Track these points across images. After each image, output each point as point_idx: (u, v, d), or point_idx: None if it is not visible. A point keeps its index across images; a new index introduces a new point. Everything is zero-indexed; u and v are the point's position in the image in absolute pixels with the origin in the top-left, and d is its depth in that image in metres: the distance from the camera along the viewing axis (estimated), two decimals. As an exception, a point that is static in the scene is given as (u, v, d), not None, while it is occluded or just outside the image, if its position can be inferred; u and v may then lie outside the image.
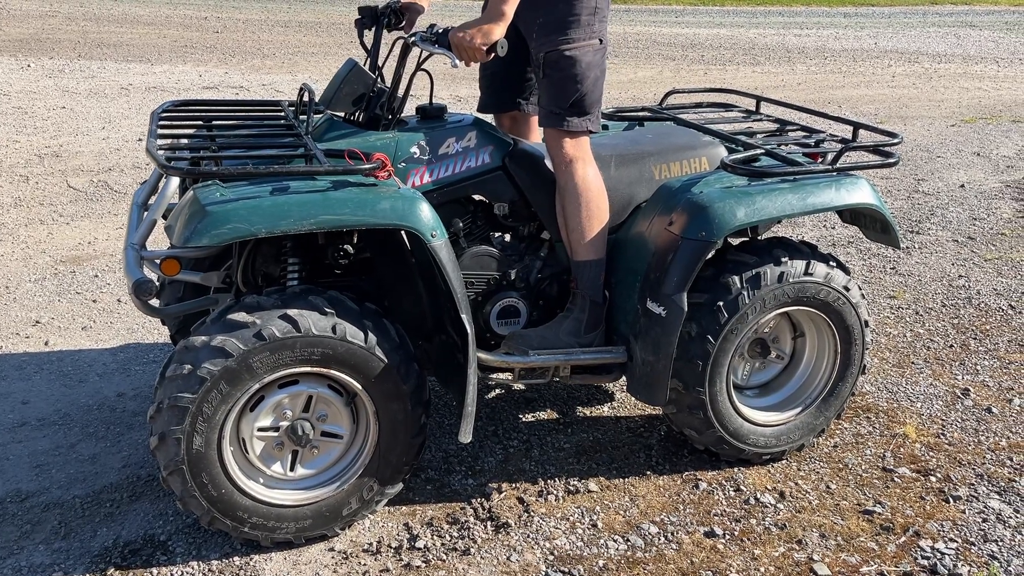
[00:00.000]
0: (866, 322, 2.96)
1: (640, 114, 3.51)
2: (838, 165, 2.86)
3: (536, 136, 3.06)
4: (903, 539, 2.67)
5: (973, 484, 2.95)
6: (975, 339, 4.03)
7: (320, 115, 2.81)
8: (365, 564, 2.53)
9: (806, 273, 2.80)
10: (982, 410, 3.42)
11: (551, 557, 2.57)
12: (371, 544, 2.60)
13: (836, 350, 2.97)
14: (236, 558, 2.52)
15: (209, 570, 2.48)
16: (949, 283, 4.68)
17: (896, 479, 2.97)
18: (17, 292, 4.26)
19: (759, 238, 3.01)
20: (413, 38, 2.66)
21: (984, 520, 2.76)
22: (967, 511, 2.81)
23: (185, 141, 2.78)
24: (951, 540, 2.67)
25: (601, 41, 2.76)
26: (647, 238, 2.80)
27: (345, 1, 17.38)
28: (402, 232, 2.54)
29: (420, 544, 2.59)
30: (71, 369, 3.57)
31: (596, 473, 2.97)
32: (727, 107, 3.68)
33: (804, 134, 3.26)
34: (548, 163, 2.83)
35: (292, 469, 2.54)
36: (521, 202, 2.88)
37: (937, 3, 22.85)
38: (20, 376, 3.50)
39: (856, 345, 2.97)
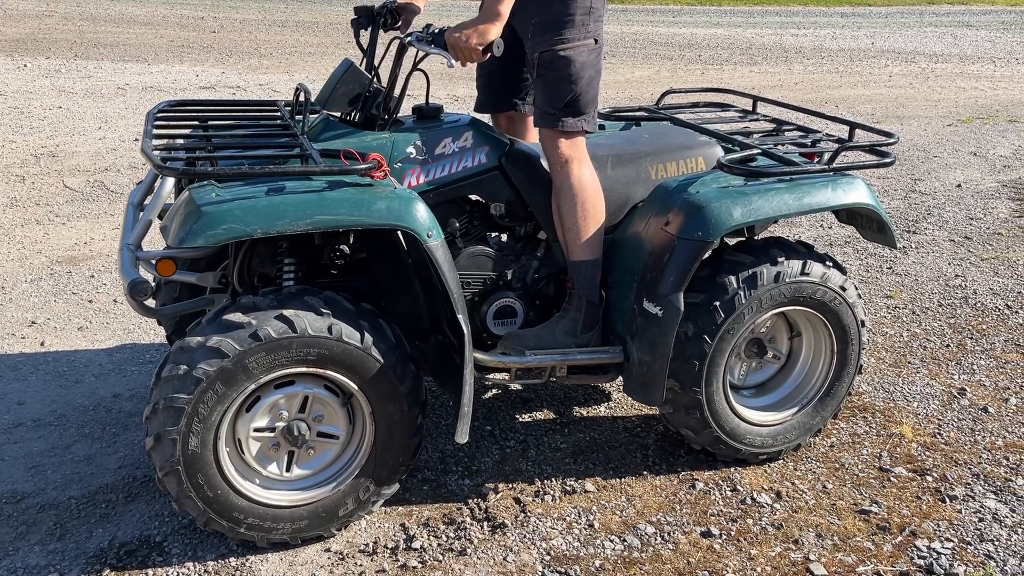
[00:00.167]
0: (862, 322, 2.96)
1: (637, 114, 3.51)
2: (834, 165, 2.86)
3: (533, 136, 3.06)
4: (899, 539, 2.67)
5: (969, 484, 2.95)
6: (971, 339, 4.03)
7: (316, 115, 2.81)
8: (361, 565, 2.52)
9: (802, 273, 2.80)
10: (978, 410, 3.42)
11: (547, 557, 2.57)
12: (367, 545, 2.60)
13: (832, 350, 2.97)
14: (232, 559, 2.52)
15: (205, 571, 2.48)
16: (946, 283, 4.68)
17: (892, 479, 2.97)
18: (13, 292, 4.26)
19: (756, 238, 3.01)
20: (409, 38, 2.66)
21: (980, 520, 2.77)
22: (963, 511, 2.81)
23: (181, 141, 2.77)
24: (947, 540, 2.67)
25: (596, 41, 2.76)
26: (643, 238, 2.79)
27: (342, 1, 17.36)
28: (398, 232, 2.54)
29: (416, 544, 2.59)
30: (67, 370, 3.56)
31: (593, 473, 2.96)
32: (724, 107, 3.68)
33: (800, 134, 3.26)
34: (544, 163, 2.83)
35: (288, 470, 2.54)
36: (517, 202, 2.88)
37: (934, 3, 22.87)
38: (16, 377, 3.49)
39: (852, 345, 2.97)
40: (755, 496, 2.85)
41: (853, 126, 3.10)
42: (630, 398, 2.93)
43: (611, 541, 2.64)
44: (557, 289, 2.95)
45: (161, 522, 2.66)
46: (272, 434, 2.48)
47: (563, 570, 2.51)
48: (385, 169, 2.47)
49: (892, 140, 3.04)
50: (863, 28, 17.62)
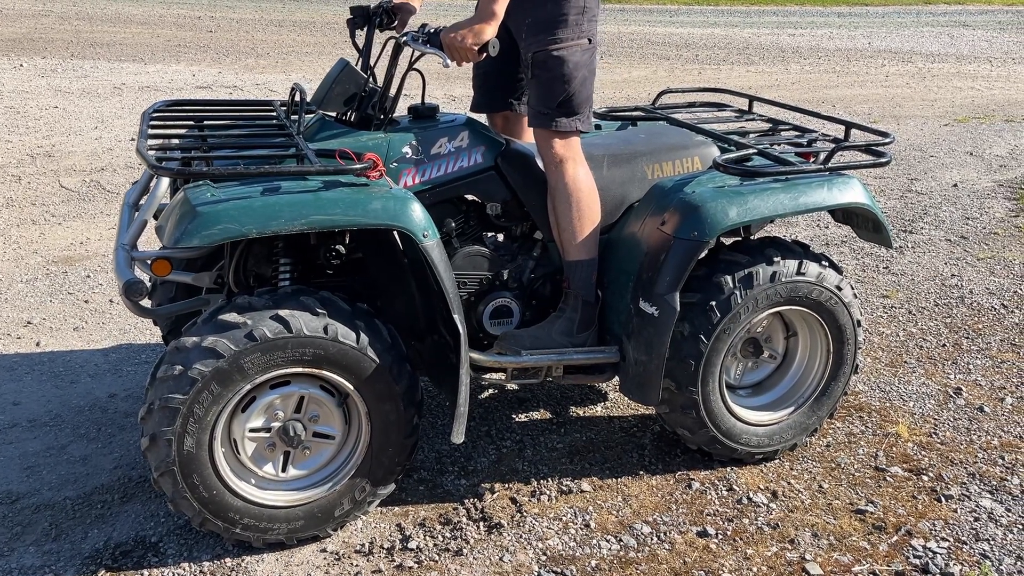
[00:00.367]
0: (859, 321, 2.97)
1: (633, 114, 3.51)
2: (830, 165, 2.86)
3: (529, 136, 3.05)
4: (895, 538, 2.68)
5: (965, 483, 2.95)
6: (967, 338, 4.04)
7: (312, 115, 2.80)
8: (357, 565, 2.52)
9: (798, 273, 2.80)
10: (974, 409, 3.43)
11: (544, 557, 2.57)
12: (363, 545, 2.60)
13: (829, 349, 2.98)
14: (227, 559, 2.52)
15: (200, 571, 2.48)
16: (942, 282, 4.69)
17: (888, 478, 2.97)
18: (8, 293, 4.25)
19: (752, 238, 3.01)
20: (405, 38, 2.66)
21: (976, 519, 2.77)
22: (959, 510, 2.81)
23: (176, 141, 2.77)
24: (943, 539, 2.67)
25: (590, 41, 2.76)
26: (640, 238, 2.80)
27: (338, 1, 17.35)
28: (394, 232, 2.54)
29: (412, 545, 2.59)
30: (63, 370, 3.55)
31: (589, 473, 2.96)
32: (720, 107, 3.68)
33: (797, 134, 3.26)
34: (540, 163, 2.83)
35: (284, 470, 2.53)
36: (514, 202, 2.88)
37: (931, 3, 22.90)
38: (11, 377, 3.49)
39: (849, 344, 2.97)
40: (751, 496, 2.85)
41: (849, 126, 3.10)
42: (626, 398, 2.93)
43: (607, 541, 2.64)
44: (553, 289, 2.95)
45: (157, 523, 2.65)
46: (268, 434, 2.48)
47: (559, 570, 2.51)
48: (381, 169, 2.46)
49: (888, 140, 3.04)
50: (860, 28, 17.64)
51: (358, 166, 2.42)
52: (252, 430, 2.46)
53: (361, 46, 2.86)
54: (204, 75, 9.96)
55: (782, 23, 18.10)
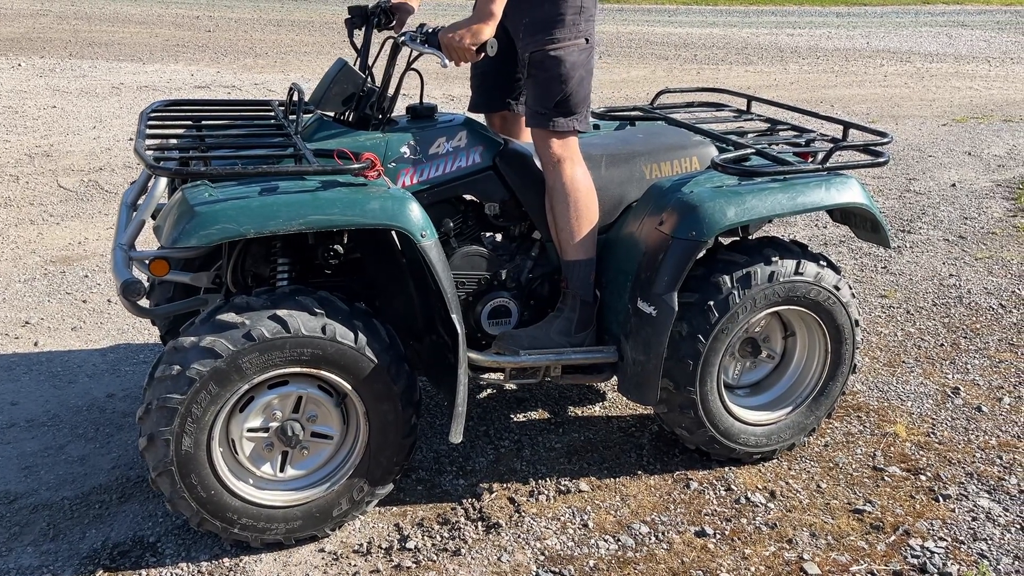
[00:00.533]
0: (857, 321, 2.97)
1: (631, 114, 3.51)
2: (828, 164, 2.86)
3: (527, 136, 3.05)
4: (893, 538, 2.68)
5: (963, 483, 2.95)
6: (965, 338, 4.04)
7: (310, 115, 2.80)
8: (355, 565, 2.52)
9: (796, 272, 2.80)
10: (972, 409, 3.43)
11: (542, 557, 2.57)
12: (361, 545, 2.60)
13: (827, 349, 2.98)
14: (226, 559, 2.52)
15: (199, 571, 2.47)
16: (940, 282, 4.69)
17: (886, 478, 2.97)
18: (7, 292, 4.25)
19: (750, 238, 3.01)
20: (403, 38, 2.66)
21: (974, 519, 2.77)
22: (957, 510, 2.81)
23: (174, 141, 2.76)
24: (941, 539, 2.68)
25: (587, 41, 2.76)
26: (638, 238, 2.80)
27: (337, 0, 17.35)
28: (392, 232, 2.54)
29: (410, 545, 2.59)
30: (61, 370, 3.55)
31: (587, 473, 2.96)
32: (718, 107, 3.68)
33: (795, 134, 3.27)
34: (538, 163, 2.83)
35: (282, 470, 2.53)
36: (512, 202, 2.88)
37: (929, 3, 22.91)
38: (9, 377, 3.49)
39: (847, 344, 2.97)
40: (749, 495, 2.85)
41: (847, 126, 3.10)
42: (624, 398, 2.93)
43: (605, 541, 2.64)
44: (551, 289, 2.95)
45: (155, 523, 2.65)
46: (266, 434, 2.48)
47: (557, 570, 2.51)
48: (379, 169, 2.46)
49: (886, 140, 3.04)
50: (858, 28, 17.65)
51: (356, 166, 2.42)
52: (250, 430, 2.45)
53: (359, 46, 2.85)
54: (202, 75, 9.95)
55: (780, 23, 18.11)
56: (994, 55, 13.98)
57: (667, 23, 17.39)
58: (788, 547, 2.63)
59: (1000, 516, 2.79)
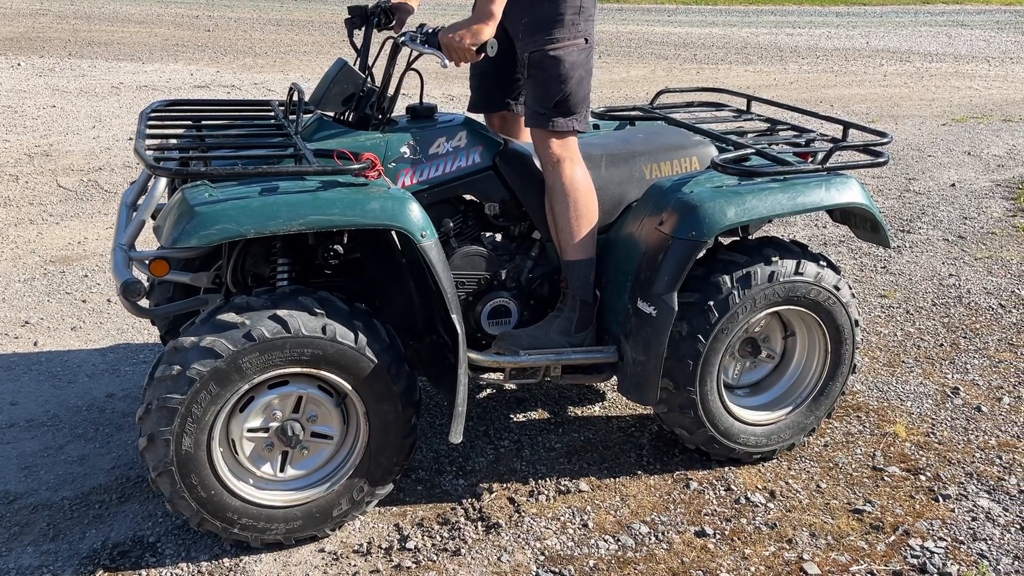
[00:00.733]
0: (856, 321, 2.97)
1: (631, 113, 3.51)
2: (828, 165, 2.86)
3: (526, 136, 3.05)
4: (893, 538, 2.68)
5: (963, 483, 2.96)
6: (965, 338, 4.04)
7: (310, 115, 2.80)
8: (355, 565, 2.52)
9: (796, 272, 2.80)
10: (972, 409, 3.43)
11: (542, 557, 2.57)
12: (361, 545, 2.60)
13: (827, 349, 2.98)
14: (226, 559, 2.52)
15: (198, 571, 2.47)
16: (939, 282, 4.69)
17: (886, 478, 2.98)
18: (6, 292, 4.25)
19: (750, 238, 3.01)
20: (403, 38, 2.66)
21: (973, 519, 2.77)
22: (956, 510, 2.82)
23: (174, 141, 2.76)
24: (940, 539, 2.68)
25: (587, 41, 2.76)
26: (638, 238, 2.80)
27: (336, 0, 17.34)
28: (392, 232, 2.54)
29: (410, 545, 2.59)
30: (60, 370, 3.55)
31: (587, 473, 2.97)
32: (718, 106, 3.68)
33: (795, 133, 3.27)
34: (538, 163, 2.83)
35: (282, 470, 2.53)
36: (512, 202, 2.88)
37: (929, 2, 22.92)
38: (9, 377, 3.49)
39: (847, 344, 2.97)
40: (749, 495, 2.86)
41: (847, 126, 3.10)
42: (624, 398, 2.93)
43: (605, 541, 2.64)
44: (551, 289, 2.95)
45: (155, 523, 2.65)
46: (266, 434, 2.48)
47: (557, 570, 2.51)
48: (379, 169, 2.46)
49: (886, 140, 3.04)
50: (858, 27, 17.65)
51: (356, 166, 2.42)
52: (250, 430, 2.45)
53: (359, 46, 2.85)
54: (202, 74, 9.95)
55: (780, 22, 18.11)
56: (994, 55, 13.98)
57: (666, 23, 17.39)
58: (788, 547, 2.63)
59: (1000, 516, 2.79)
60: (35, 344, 3.76)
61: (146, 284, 2.68)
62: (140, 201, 2.80)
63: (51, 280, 4.39)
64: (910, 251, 5.16)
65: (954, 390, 3.56)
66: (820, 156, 2.91)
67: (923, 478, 2.97)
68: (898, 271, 4.84)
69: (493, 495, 2.83)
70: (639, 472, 2.98)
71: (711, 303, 2.73)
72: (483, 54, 2.51)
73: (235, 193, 2.31)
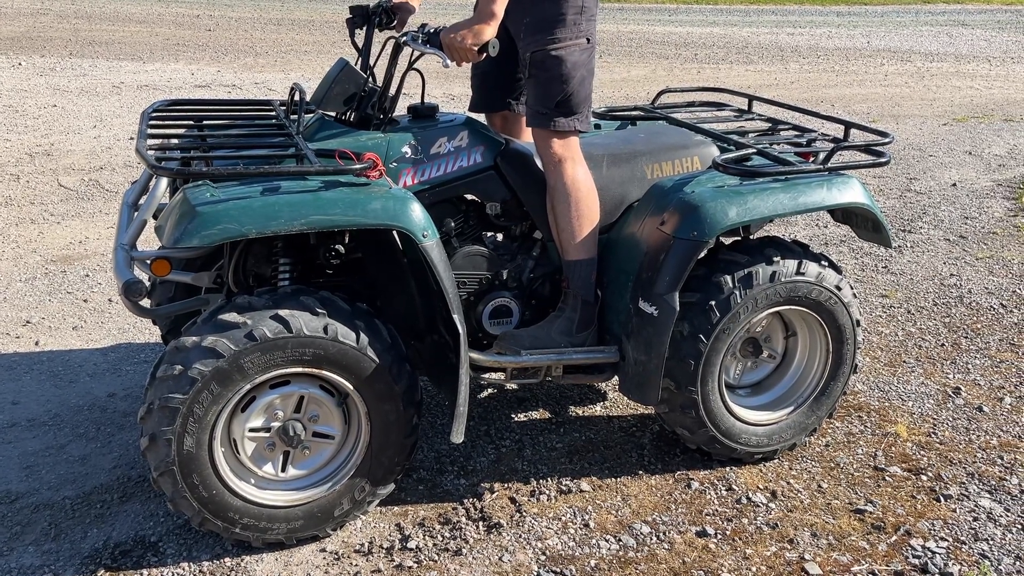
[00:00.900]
0: (858, 321, 2.97)
1: (632, 113, 3.51)
2: (830, 164, 2.86)
3: (528, 136, 3.05)
4: (894, 538, 2.68)
5: (964, 483, 2.95)
6: (966, 338, 4.04)
7: (311, 115, 2.80)
8: (357, 565, 2.52)
9: (798, 272, 2.80)
10: (973, 409, 3.43)
11: (543, 557, 2.57)
12: (363, 545, 2.60)
13: (828, 349, 2.98)
14: (227, 559, 2.52)
15: (200, 571, 2.48)
16: (941, 282, 4.69)
17: (887, 478, 2.98)
18: (7, 292, 4.25)
19: (751, 237, 3.01)
20: (404, 38, 2.66)
21: (975, 519, 2.77)
22: (958, 510, 2.82)
23: (175, 141, 2.76)
24: (942, 539, 2.68)
25: (588, 40, 2.76)
26: (639, 238, 2.80)
27: (338, 0, 17.36)
28: (394, 232, 2.54)
29: (412, 544, 2.59)
30: (61, 369, 3.55)
31: (588, 473, 2.97)
32: (719, 106, 3.68)
33: (796, 133, 3.27)
34: (539, 162, 2.83)
35: (283, 470, 2.53)
36: (513, 202, 2.88)
37: (930, 2, 22.91)
38: (10, 376, 3.49)
39: (848, 344, 2.97)
40: (750, 495, 2.86)
41: (849, 125, 3.10)
42: (626, 397, 2.93)
43: (607, 541, 2.64)
44: (553, 289, 2.95)
45: (156, 522, 2.65)
46: (267, 434, 2.48)
47: (559, 570, 2.51)
48: (380, 169, 2.46)
49: (887, 140, 3.04)
50: (859, 27, 17.65)
51: (358, 166, 2.42)
52: (252, 430, 2.45)
53: (360, 46, 2.85)
54: (203, 74, 9.95)
55: (781, 22, 18.10)
56: (995, 54, 13.98)
57: (667, 22, 17.39)
58: (789, 547, 2.63)
59: (1001, 516, 2.79)
60: (36, 344, 3.76)
61: (147, 284, 2.68)
62: (141, 201, 2.80)
63: (52, 280, 4.40)
64: (911, 251, 5.16)
65: (955, 390, 3.56)
66: (822, 156, 2.91)
67: (924, 478, 2.97)
68: (899, 271, 4.84)
69: (494, 495, 2.83)
70: (640, 472, 2.98)
71: (713, 303, 2.73)
72: (484, 54, 2.51)
73: (237, 193, 2.31)
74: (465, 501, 2.80)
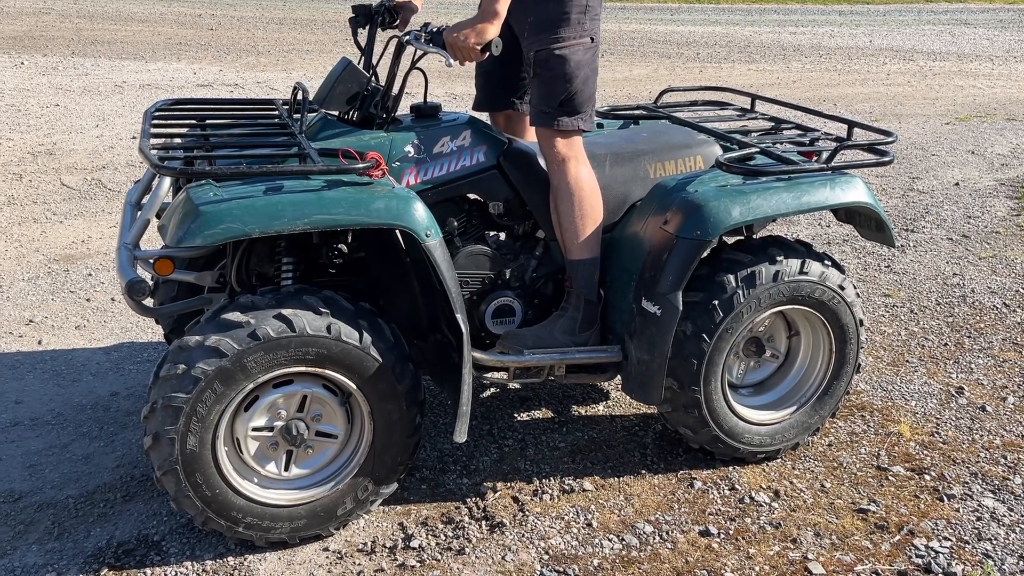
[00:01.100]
0: (861, 321, 2.96)
1: (635, 112, 3.50)
2: (833, 164, 2.86)
3: (531, 135, 3.05)
4: (897, 538, 2.68)
5: (967, 482, 2.95)
6: (969, 337, 4.03)
7: (314, 114, 2.80)
8: (360, 564, 2.52)
9: (801, 272, 2.80)
10: (976, 408, 3.42)
11: (546, 556, 2.57)
12: (366, 544, 2.60)
13: (831, 349, 2.97)
14: (230, 558, 2.52)
15: (203, 570, 2.48)
16: (944, 281, 4.69)
17: (890, 478, 2.97)
18: (10, 291, 4.25)
19: (754, 237, 3.01)
20: (407, 37, 2.66)
21: (978, 519, 2.77)
22: (961, 509, 2.81)
23: (178, 140, 2.76)
24: (945, 539, 2.67)
25: (592, 40, 2.76)
26: (642, 237, 2.79)
27: (340, -2, 17.36)
28: (397, 231, 2.54)
29: (415, 544, 2.59)
30: (65, 368, 3.55)
31: (591, 472, 2.96)
32: (722, 105, 3.68)
33: (799, 132, 3.26)
34: (543, 162, 2.83)
35: (287, 469, 2.53)
36: (516, 201, 2.88)
37: (932, 1, 22.88)
38: (13, 375, 3.49)
39: (851, 344, 2.97)
40: (753, 495, 2.85)
41: (852, 125, 3.10)
42: (628, 397, 2.93)
43: (609, 540, 2.64)
44: (555, 288, 2.94)
45: (159, 521, 2.65)
46: (271, 433, 2.48)
47: (561, 569, 2.51)
48: (383, 168, 2.46)
49: (891, 139, 3.04)
50: (861, 26, 17.63)
51: (361, 165, 2.42)
52: (255, 429, 2.46)
53: (363, 45, 2.86)
54: (205, 73, 9.95)
55: (783, 21, 18.09)
56: (997, 53, 13.96)
57: (669, 21, 17.38)
58: (792, 547, 2.63)
59: (1005, 516, 2.78)
60: (39, 343, 3.76)
61: (150, 283, 2.68)
62: (144, 200, 2.80)
63: (55, 279, 4.40)
64: (914, 250, 5.15)
65: (959, 389, 3.56)
66: (825, 155, 2.91)
67: (928, 478, 2.97)
68: (902, 270, 4.83)
69: (497, 494, 2.83)
70: (643, 471, 2.98)
71: (715, 302, 2.73)
72: (487, 53, 2.51)
73: (240, 192, 2.31)
74: (468, 500, 2.80)
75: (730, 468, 2.99)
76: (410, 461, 2.62)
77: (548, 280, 2.95)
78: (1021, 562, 2.58)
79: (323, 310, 2.38)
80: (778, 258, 2.79)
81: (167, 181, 2.65)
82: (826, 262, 2.88)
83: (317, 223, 2.30)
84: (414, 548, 2.58)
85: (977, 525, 2.74)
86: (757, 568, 2.54)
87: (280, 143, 2.65)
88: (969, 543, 2.66)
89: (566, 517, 2.74)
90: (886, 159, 2.96)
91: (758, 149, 2.94)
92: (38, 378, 3.48)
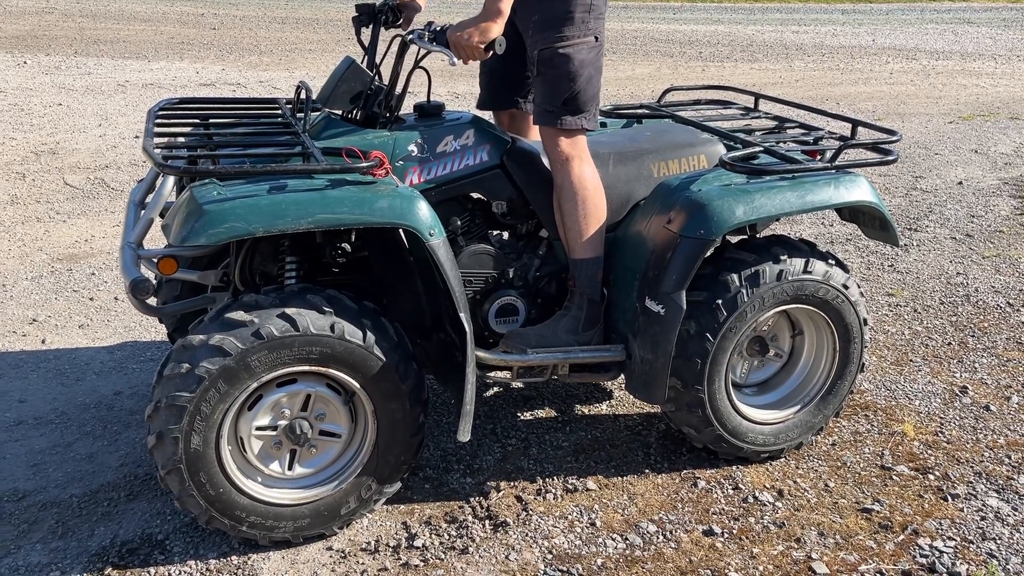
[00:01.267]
0: (865, 320, 2.96)
1: (638, 111, 3.50)
2: (837, 163, 2.85)
3: (535, 134, 3.05)
4: (901, 537, 2.67)
5: (971, 482, 2.95)
6: (973, 337, 4.03)
7: (317, 113, 2.80)
8: (363, 563, 2.52)
9: (805, 271, 2.80)
10: (980, 408, 3.42)
11: (549, 556, 2.57)
12: (369, 543, 2.60)
13: (835, 348, 2.97)
14: (234, 557, 2.52)
15: (207, 569, 2.48)
16: (947, 281, 4.68)
17: (894, 477, 2.97)
18: (14, 290, 4.25)
19: (758, 236, 3.00)
20: (411, 36, 2.65)
21: (982, 518, 2.76)
22: (965, 509, 2.81)
23: (182, 139, 2.76)
24: (949, 538, 2.67)
25: (597, 39, 2.76)
26: (646, 236, 2.79)
27: (342, -2, 17.36)
28: (400, 230, 2.53)
29: (418, 543, 2.59)
30: (68, 367, 3.56)
31: (594, 471, 2.96)
32: (726, 104, 3.67)
33: (803, 131, 3.26)
34: (546, 161, 2.83)
35: (290, 468, 2.53)
36: (519, 200, 2.88)
37: (935, 0, 22.84)
38: (17, 374, 3.49)
39: (855, 343, 2.96)
40: (757, 494, 2.85)
41: (855, 123, 3.09)
42: (632, 396, 2.93)
43: (613, 539, 2.64)
44: (559, 287, 2.94)
45: (163, 520, 2.66)
46: (274, 432, 2.48)
47: (565, 568, 2.51)
48: (387, 167, 2.46)
49: (895, 138, 3.03)
50: (864, 25, 17.61)
51: (364, 164, 2.42)
52: (259, 428, 2.46)
53: (367, 44, 2.85)
54: (207, 72, 9.96)
55: (786, 20, 18.07)
56: (1000, 52, 13.94)
57: (672, 20, 17.37)
58: (796, 546, 2.63)
59: (1009, 515, 2.78)
60: (43, 342, 3.77)
61: (154, 282, 2.68)
62: (148, 199, 2.80)
63: (58, 278, 4.40)
64: (917, 249, 5.14)
65: (962, 389, 3.55)
66: (829, 154, 2.90)
67: (932, 477, 2.97)
68: (905, 269, 4.83)
69: (501, 493, 2.83)
70: (647, 471, 2.98)
71: (719, 302, 2.72)
72: (491, 52, 2.51)
73: (243, 191, 2.31)
74: (471, 500, 2.80)
75: (734, 467, 2.99)
76: (414, 460, 2.62)
77: (551, 279, 2.94)
78: (1025, 562, 2.58)
79: (327, 309, 2.38)
80: (782, 257, 2.78)
81: (171, 180, 2.65)
82: (830, 261, 2.87)
83: (321, 222, 2.30)
84: (418, 547, 2.58)
85: (981, 525, 2.73)
86: (761, 568, 2.54)
87: (284, 142, 2.65)
88: (973, 543, 2.65)
89: (570, 516, 2.74)
90: (890, 158, 2.96)
91: (762, 148, 2.94)
92: (42, 377, 3.48)
